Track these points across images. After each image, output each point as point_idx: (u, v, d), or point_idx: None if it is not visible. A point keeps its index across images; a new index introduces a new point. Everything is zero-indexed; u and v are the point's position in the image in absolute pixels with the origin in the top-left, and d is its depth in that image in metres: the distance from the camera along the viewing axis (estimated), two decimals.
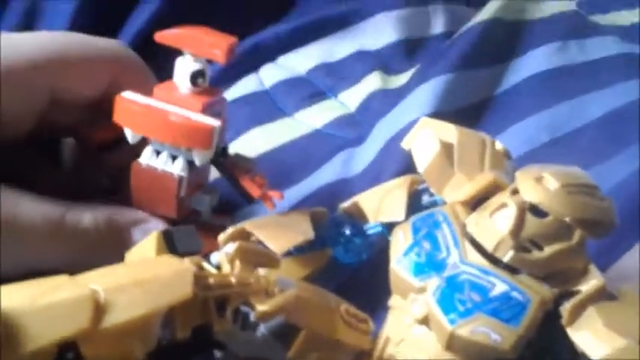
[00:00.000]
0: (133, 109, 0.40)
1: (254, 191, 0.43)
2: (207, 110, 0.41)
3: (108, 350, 0.28)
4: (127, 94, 0.40)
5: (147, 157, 0.41)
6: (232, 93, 0.64)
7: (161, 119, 0.39)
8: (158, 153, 0.41)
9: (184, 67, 0.41)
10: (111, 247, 0.40)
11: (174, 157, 0.41)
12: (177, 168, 0.41)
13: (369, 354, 0.36)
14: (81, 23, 0.62)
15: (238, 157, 0.45)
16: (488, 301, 0.33)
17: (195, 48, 0.40)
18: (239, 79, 0.66)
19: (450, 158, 0.39)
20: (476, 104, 0.63)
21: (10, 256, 0.36)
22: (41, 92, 0.40)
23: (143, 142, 0.41)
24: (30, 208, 0.38)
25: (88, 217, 0.40)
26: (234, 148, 0.55)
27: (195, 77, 0.41)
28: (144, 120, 0.40)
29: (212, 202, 0.45)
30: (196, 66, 0.41)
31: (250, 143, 0.59)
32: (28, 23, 0.64)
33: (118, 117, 0.40)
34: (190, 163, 0.41)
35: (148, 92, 0.41)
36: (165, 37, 0.40)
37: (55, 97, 0.40)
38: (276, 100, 0.64)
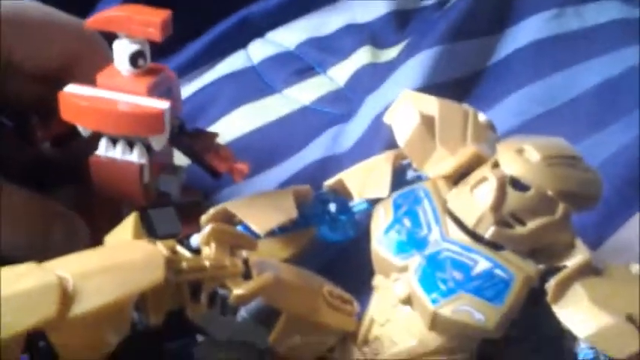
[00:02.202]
0: (78, 104, 0.38)
1: (220, 166, 0.42)
2: (153, 91, 0.39)
3: (79, 338, 0.27)
4: (71, 88, 0.38)
5: (103, 149, 0.40)
6: (220, 70, 0.64)
7: (107, 111, 0.38)
8: (114, 142, 0.40)
9: (122, 50, 0.39)
10: (34, 228, 0.39)
11: (131, 144, 0.40)
12: (136, 156, 0.40)
13: (354, 336, 0.36)
14: None
15: (198, 132, 0.44)
16: (471, 279, 0.32)
17: (128, 29, 0.38)
18: (227, 55, 0.66)
19: (431, 131, 0.38)
20: (468, 76, 0.62)
21: None
22: None
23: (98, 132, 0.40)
24: None
25: (18, 192, 0.39)
26: (222, 126, 0.54)
27: (135, 59, 0.39)
28: (91, 114, 0.38)
29: (180, 182, 0.43)
30: (134, 47, 0.39)
31: (238, 121, 0.58)
32: None
33: (65, 114, 0.38)
34: (149, 147, 0.40)
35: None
36: (95, 22, 0.38)
37: (8, 59, 0.39)
38: (264, 77, 0.63)
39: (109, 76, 0.39)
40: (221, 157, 0.42)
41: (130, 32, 0.38)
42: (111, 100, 0.38)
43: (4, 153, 0.44)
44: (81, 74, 0.40)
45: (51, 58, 0.41)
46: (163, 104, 0.38)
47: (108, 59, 0.40)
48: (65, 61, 0.41)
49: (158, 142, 0.39)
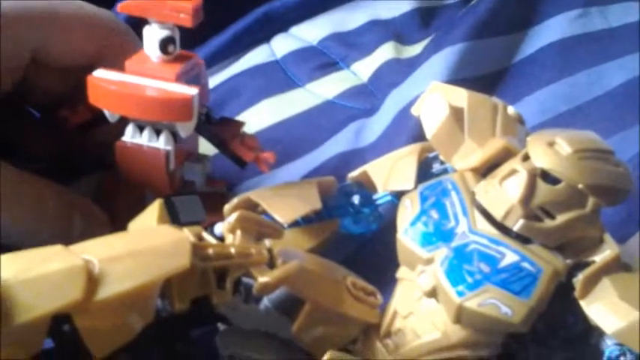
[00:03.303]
0: (107, 88, 0.38)
1: (246, 155, 0.42)
2: (182, 78, 0.39)
3: (103, 322, 0.27)
4: (99, 73, 0.39)
5: (130, 135, 0.40)
6: (243, 64, 0.64)
7: (136, 96, 0.38)
8: (141, 128, 0.40)
9: (152, 36, 0.39)
10: (58, 219, 0.39)
11: (158, 131, 0.40)
12: (162, 142, 0.40)
13: (377, 327, 0.36)
14: None
15: (225, 120, 0.44)
16: (498, 271, 0.32)
17: (159, 15, 0.38)
18: (250, 49, 0.66)
19: (460, 123, 0.37)
20: (492, 74, 0.61)
21: None
22: (26, 42, 0.39)
23: (125, 118, 0.40)
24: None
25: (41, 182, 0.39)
26: (245, 118, 0.54)
27: (165, 45, 0.39)
28: (119, 99, 0.38)
29: (205, 171, 0.44)
30: (164, 33, 0.39)
31: (261, 114, 0.58)
32: None
33: (92, 98, 0.39)
34: (175, 135, 0.40)
35: None
36: (127, 7, 0.39)
37: (41, 54, 0.40)
38: (287, 71, 0.63)
39: (138, 61, 0.40)
40: (247, 146, 0.43)
41: (162, 18, 0.39)
42: (139, 85, 0.38)
43: (31, 143, 0.44)
44: (110, 65, 0.41)
45: (82, 52, 0.42)
46: (192, 90, 0.38)
47: (136, 49, 0.41)
48: (95, 53, 0.42)
49: (185, 129, 0.39)
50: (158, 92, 0.38)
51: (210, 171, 0.44)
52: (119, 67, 0.40)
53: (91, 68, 0.40)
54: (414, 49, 0.66)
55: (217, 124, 0.43)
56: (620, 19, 0.69)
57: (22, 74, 0.40)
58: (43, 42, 0.40)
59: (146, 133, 0.40)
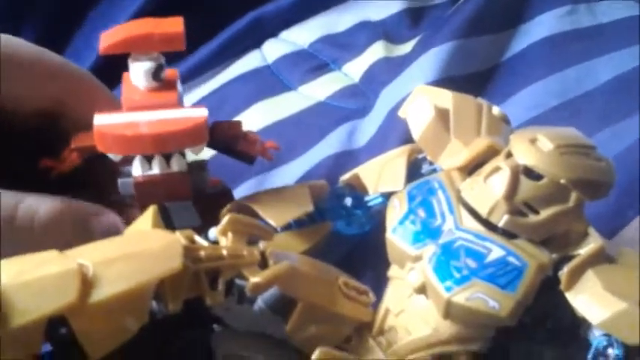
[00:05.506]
0: (121, 134, 0.37)
1: (253, 150, 0.42)
2: (180, 99, 0.39)
3: (99, 324, 0.28)
4: (101, 119, 0.37)
5: (139, 169, 0.39)
6: (235, 70, 0.64)
7: (153, 134, 0.37)
8: (149, 159, 0.39)
9: (141, 68, 0.38)
10: (70, 238, 0.38)
11: (167, 157, 0.39)
12: (176, 166, 0.39)
13: (370, 326, 0.36)
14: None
15: (218, 124, 0.42)
16: (485, 266, 0.32)
17: (149, 48, 0.38)
18: (241, 55, 0.66)
19: (446, 124, 0.38)
20: (482, 71, 0.62)
21: None
22: None
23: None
24: None
25: (45, 206, 0.38)
26: None
27: (158, 73, 0.38)
28: (135, 141, 0.37)
29: (208, 177, 0.43)
30: (153, 63, 0.38)
31: (252, 118, 0.58)
32: None
33: (103, 147, 0.37)
34: (183, 153, 0.39)
35: (101, 108, 0.39)
36: (111, 47, 0.38)
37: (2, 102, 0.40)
38: (279, 75, 0.64)
39: (132, 95, 0.39)
40: (251, 142, 0.42)
41: (154, 49, 0.38)
42: (152, 121, 0.37)
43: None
44: (75, 111, 0.41)
45: (42, 97, 0.41)
46: (203, 111, 0.38)
47: (101, 92, 0.41)
48: (57, 100, 0.41)
49: (198, 149, 0.39)
50: (173, 123, 0.37)
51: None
52: (87, 112, 0.38)
53: (58, 115, 0.40)
54: (404, 48, 0.66)
55: (215, 130, 0.42)
56: (608, 16, 0.69)
57: None
58: (4, 88, 0.39)
59: (156, 162, 0.39)
